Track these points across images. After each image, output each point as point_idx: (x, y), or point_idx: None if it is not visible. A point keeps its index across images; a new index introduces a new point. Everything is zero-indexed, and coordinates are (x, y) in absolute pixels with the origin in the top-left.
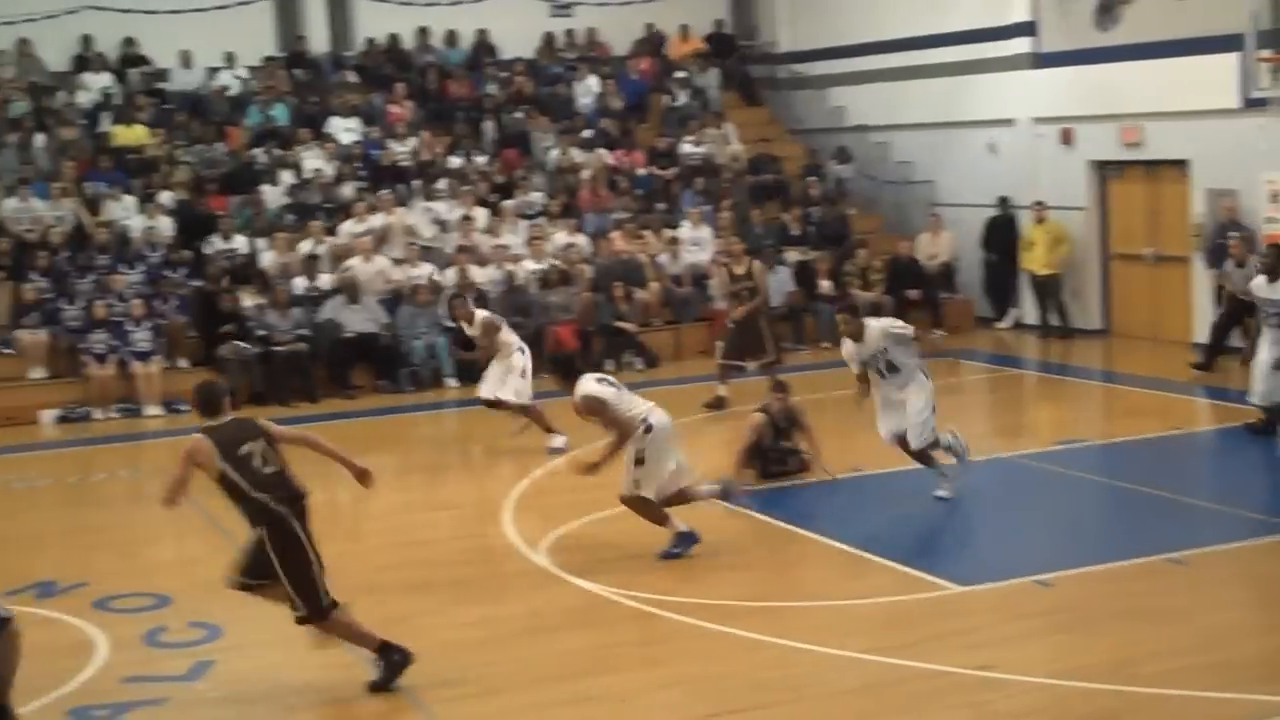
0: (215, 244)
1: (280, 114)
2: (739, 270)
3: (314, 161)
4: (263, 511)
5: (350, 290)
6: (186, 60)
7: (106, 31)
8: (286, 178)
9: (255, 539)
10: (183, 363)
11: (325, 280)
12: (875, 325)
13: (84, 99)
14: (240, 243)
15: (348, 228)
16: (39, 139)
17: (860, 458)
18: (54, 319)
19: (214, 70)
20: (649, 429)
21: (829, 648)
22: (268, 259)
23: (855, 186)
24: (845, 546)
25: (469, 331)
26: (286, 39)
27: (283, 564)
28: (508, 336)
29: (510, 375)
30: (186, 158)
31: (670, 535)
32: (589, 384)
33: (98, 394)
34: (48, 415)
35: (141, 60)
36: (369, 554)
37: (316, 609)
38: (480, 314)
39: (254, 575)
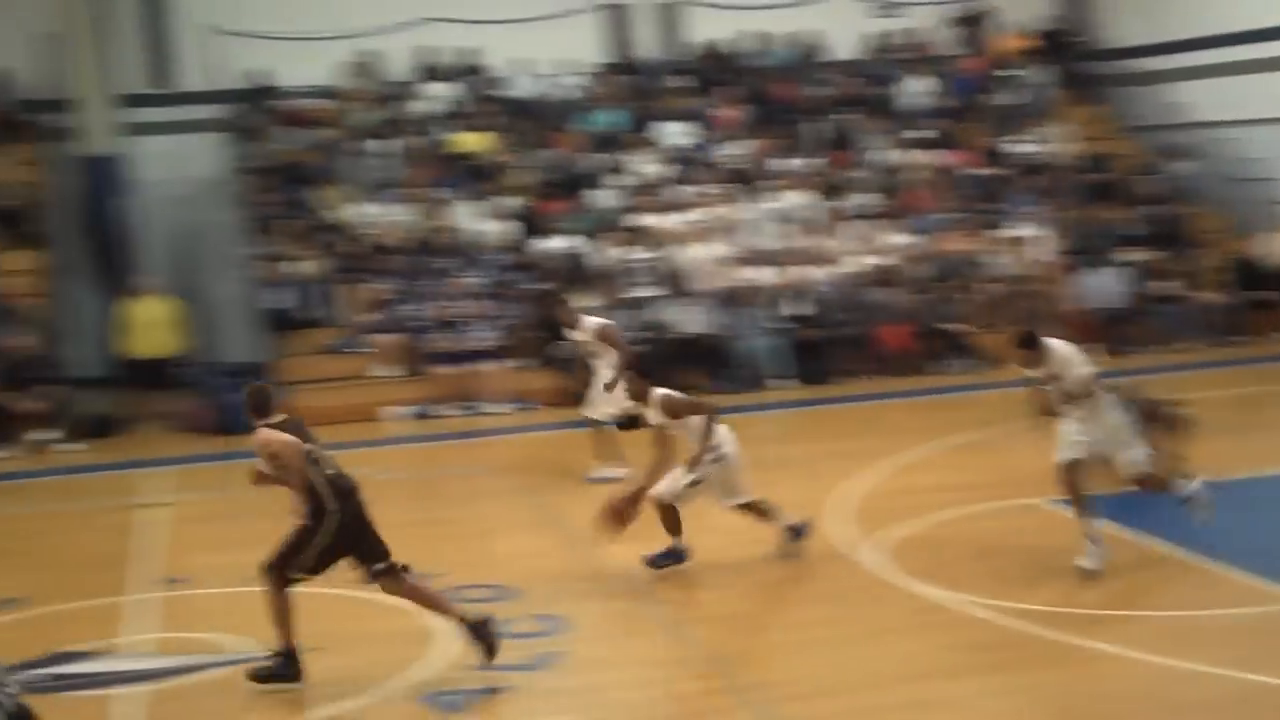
0: (548, 246)
1: (621, 119)
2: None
3: (646, 166)
4: (318, 508)
5: (676, 281)
6: (523, 68)
7: (446, 42)
8: (619, 181)
9: (298, 528)
10: (525, 363)
11: (646, 259)
12: (1062, 349)
13: (426, 108)
14: (572, 245)
15: (677, 217)
16: (386, 147)
17: (1217, 462)
18: (402, 320)
19: (548, 78)
20: (719, 459)
21: (1174, 660)
22: (600, 261)
23: (1196, 184)
24: (1194, 555)
25: (572, 337)
26: (616, 45)
27: (302, 534)
28: (615, 348)
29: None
30: (523, 163)
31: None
32: (662, 391)
33: (442, 392)
34: (395, 412)
35: (480, 69)
36: (702, 554)
37: (275, 570)
38: (589, 320)
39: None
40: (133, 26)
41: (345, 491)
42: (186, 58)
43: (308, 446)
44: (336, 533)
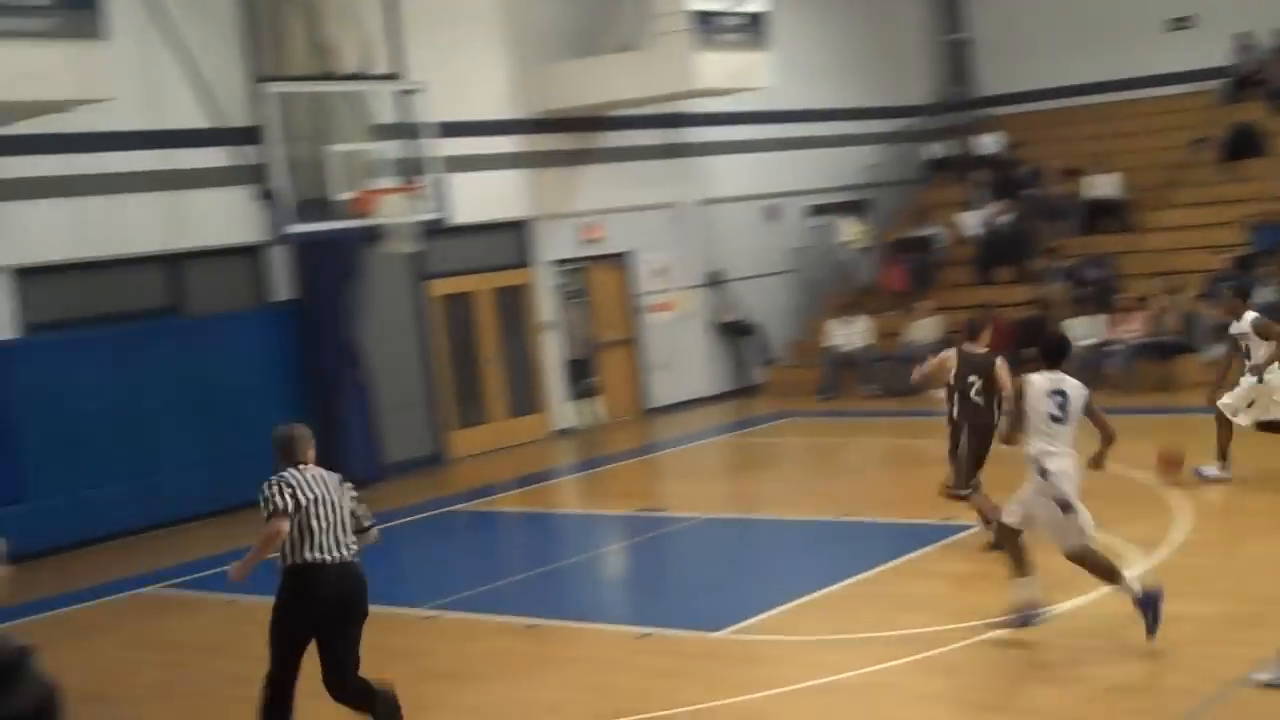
0: None
1: None
2: None
3: None
4: (957, 425)
5: None
6: None
7: None
8: None
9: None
10: None
11: None
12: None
13: None
14: None
15: None
16: None
17: None
18: None
19: None
20: (1043, 473)
21: None
22: None
23: None
24: None
25: (1234, 329)
26: None
27: (967, 447)
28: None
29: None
30: None
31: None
32: (1035, 376)
33: None
34: None
35: None
36: None
37: (960, 486)
38: (1254, 314)
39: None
40: None
41: (962, 420)
42: None
43: (969, 379)
44: (954, 448)
